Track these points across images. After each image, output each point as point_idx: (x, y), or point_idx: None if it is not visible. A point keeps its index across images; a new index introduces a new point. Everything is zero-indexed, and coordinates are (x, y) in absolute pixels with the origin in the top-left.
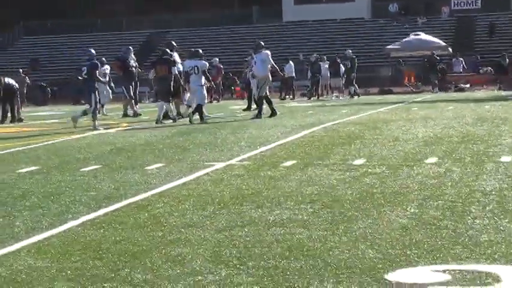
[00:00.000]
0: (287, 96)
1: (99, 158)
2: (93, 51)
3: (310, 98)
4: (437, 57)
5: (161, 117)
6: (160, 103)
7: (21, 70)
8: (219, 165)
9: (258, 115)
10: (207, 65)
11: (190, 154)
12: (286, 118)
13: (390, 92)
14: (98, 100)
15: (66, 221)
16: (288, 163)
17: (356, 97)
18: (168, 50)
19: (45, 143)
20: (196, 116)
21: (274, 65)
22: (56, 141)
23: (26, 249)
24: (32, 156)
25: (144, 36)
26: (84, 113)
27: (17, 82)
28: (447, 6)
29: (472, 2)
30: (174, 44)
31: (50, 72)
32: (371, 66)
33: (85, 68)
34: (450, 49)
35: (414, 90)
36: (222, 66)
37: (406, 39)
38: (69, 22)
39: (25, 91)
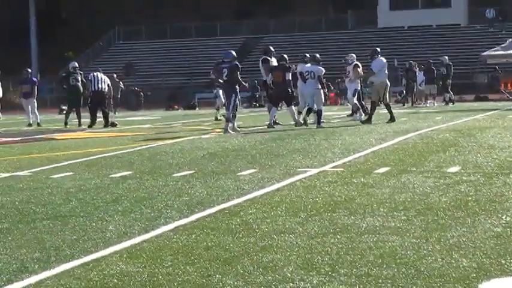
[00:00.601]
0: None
1: (192, 164)
2: (233, 53)
3: (404, 105)
4: None
5: (272, 121)
6: (273, 108)
7: (115, 75)
8: (312, 171)
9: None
10: (324, 71)
11: (283, 160)
12: (380, 124)
13: (486, 99)
14: (237, 103)
15: (158, 226)
16: (382, 170)
17: (451, 104)
18: (285, 56)
19: (138, 148)
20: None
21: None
22: (149, 146)
23: (118, 254)
24: (125, 161)
25: (240, 41)
26: (233, 116)
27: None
28: None
29: None
30: (272, 50)
31: (144, 77)
32: (467, 72)
33: (225, 69)
34: None
35: (510, 97)
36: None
37: (503, 45)
38: (162, 27)
39: (119, 96)
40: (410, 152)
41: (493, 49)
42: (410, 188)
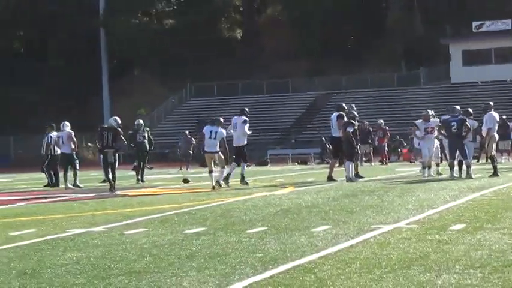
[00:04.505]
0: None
1: (265, 220)
2: (458, 107)
3: (478, 161)
4: None
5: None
6: (346, 162)
7: (187, 132)
8: (386, 228)
9: (495, 173)
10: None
11: (356, 216)
12: (454, 180)
13: None
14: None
15: (232, 282)
16: (457, 226)
17: None
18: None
19: (211, 204)
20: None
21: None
22: (221, 202)
23: None
24: (198, 217)
25: (311, 98)
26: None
27: (183, 143)
28: None
29: None
30: (344, 106)
31: None
32: None
33: (454, 123)
34: None
35: None
36: (387, 128)
37: None
38: (234, 84)
39: (191, 152)
40: (486, 208)
41: None
42: (486, 245)
